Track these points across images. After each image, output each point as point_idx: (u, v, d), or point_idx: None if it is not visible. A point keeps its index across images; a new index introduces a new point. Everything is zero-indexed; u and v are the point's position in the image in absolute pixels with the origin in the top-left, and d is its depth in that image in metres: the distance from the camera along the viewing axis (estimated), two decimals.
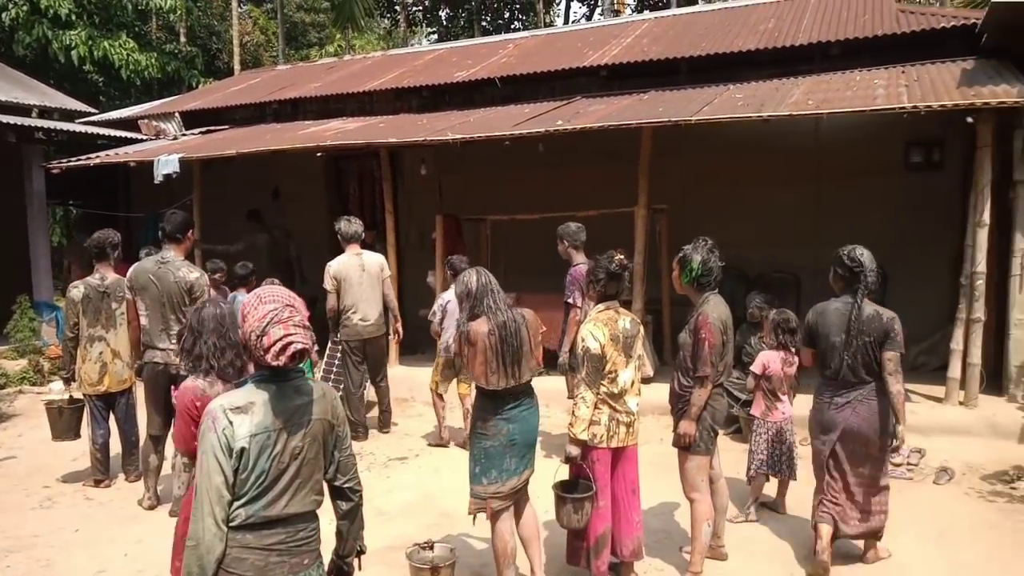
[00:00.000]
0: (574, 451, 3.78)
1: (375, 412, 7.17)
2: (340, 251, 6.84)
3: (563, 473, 3.98)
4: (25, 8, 16.65)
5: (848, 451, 4.09)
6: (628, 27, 11.81)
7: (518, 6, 26.67)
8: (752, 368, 5.11)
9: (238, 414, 2.25)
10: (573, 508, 3.78)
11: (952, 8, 11.45)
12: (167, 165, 9.27)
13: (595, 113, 8.25)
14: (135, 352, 5.41)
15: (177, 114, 12.15)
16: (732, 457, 5.34)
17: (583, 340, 3.77)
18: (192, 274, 5.22)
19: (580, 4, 27.92)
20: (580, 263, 5.74)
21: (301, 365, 2.39)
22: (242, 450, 2.23)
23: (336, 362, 7.17)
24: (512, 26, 25.96)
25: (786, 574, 4.19)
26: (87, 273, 5.82)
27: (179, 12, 19.50)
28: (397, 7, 25.21)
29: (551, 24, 24.62)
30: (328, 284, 6.67)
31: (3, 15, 16.54)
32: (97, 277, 5.64)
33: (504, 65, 10.83)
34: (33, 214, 10.95)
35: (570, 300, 5.81)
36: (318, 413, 2.39)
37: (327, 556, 2.57)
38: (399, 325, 7.27)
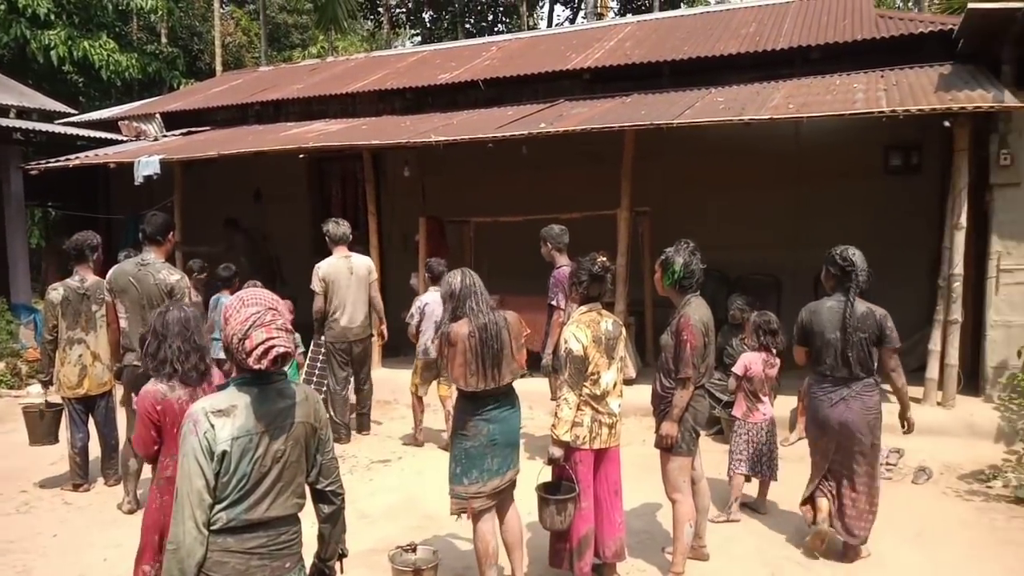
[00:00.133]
0: (557, 452, 3.79)
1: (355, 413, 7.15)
2: (323, 253, 6.81)
3: (546, 475, 3.98)
4: (2, 7, 16.44)
5: (844, 448, 4.19)
6: (611, 30, 11.85)
7: (501, 9, 26.68)
8: (734, 369, 5.16)
9: (220, 417, 2.24)
10: (556, 509, 3.79)
11: (930, 14, 11.61)
12: (147, 166, 9.19)
13: (578, 116, 8.28)
14: (115, 355, 5.36)
15: (158, 115, 12.03)
16: (714, 458, 5.38)
17: (566, 342, 3.78)
18: (172, 276, 5.17)
19: (563, 7, 27.89)
20: (563, 265, 5.76)
21: (285, 368, 2.38)
22: (224, 453, 2.22)
23: (319, 364, 7.15)
24: (495, 29, 25.95)
25: (768, 574, 4.23)
26: (64, 276, 5.76)
27: (160, 12, 19.34)
28: (380, 9, 25.11)
29: (534, 27, 24.68)
30: (316, 286, 6.63)
31: None
32: (77, 279, 5.59)
33: (487, 68, 10.83)
34: (11, 216, 10.81)
35: (553, 302, 5.83)
36: (301, 416, 2.39)
37: (309, 559, 2.56)
38: (384, 327, 7.26)
